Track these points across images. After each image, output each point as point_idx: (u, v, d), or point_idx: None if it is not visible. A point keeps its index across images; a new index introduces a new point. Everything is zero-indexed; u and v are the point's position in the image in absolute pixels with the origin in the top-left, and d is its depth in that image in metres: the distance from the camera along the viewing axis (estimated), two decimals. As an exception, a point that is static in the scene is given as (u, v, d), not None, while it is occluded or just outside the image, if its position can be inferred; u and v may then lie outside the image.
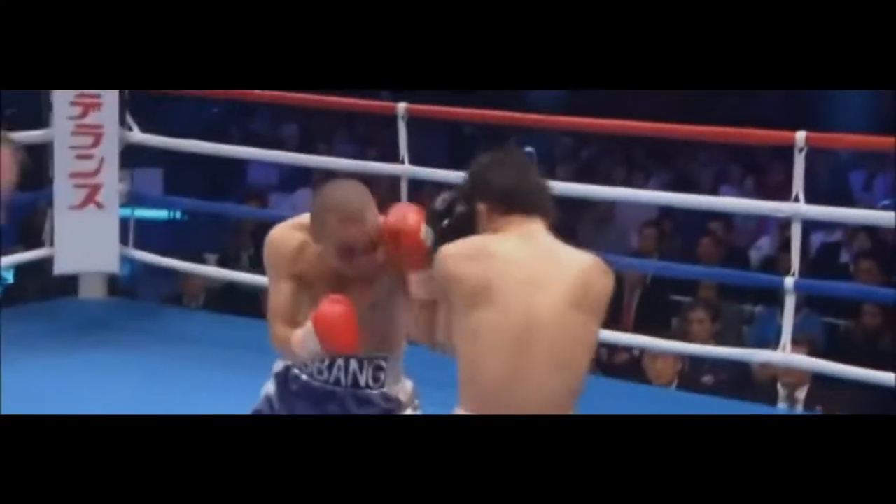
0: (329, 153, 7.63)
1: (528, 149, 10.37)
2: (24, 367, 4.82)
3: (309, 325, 2.45)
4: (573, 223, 7.27)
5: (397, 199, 4.58)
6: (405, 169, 4.94)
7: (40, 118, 5.37)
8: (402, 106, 4.89)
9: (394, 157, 5.00)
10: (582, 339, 2.31)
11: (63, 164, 5.35)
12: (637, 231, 7.04)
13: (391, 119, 5.03)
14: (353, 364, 2.64)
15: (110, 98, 5.33)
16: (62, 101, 5.27)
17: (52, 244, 5.46)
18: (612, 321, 5.65)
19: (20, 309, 5.91)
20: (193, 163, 7.51)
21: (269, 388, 2.74)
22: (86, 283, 5.76)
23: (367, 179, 3.08)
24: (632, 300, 6.14)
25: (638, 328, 5.53)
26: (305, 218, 2.58)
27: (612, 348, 5.67)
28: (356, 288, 2.52)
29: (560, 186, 6.30)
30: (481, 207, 2.39)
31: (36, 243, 5.77)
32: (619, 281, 6.23)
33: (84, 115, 5.30)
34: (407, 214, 2.48)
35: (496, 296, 2.26)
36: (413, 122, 4.94)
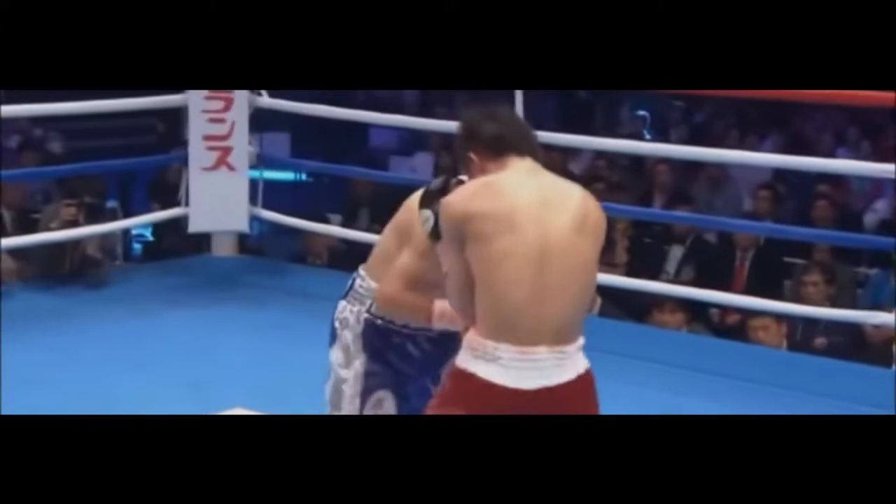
0: (448, 117, 7.72)
1: (642, 112, 10.38)
2: (164, 319, 5.13)
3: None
4: (687, 185, 7.31)
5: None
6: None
7: (175, 84, 5.64)
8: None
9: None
10: (588, 261, 2.42)
11: (197, 128, 5.62)
12: (751, 193, 7.04)
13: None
14: None
15: (241, 65, 5.58)
16: (196, 68, 5.53)
17: (187, 204, 5.71)
18: (723, 283, 5.72)
19: (158, 265, 6.24)
20: (318, 127, 7.73)
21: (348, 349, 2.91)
22: (218, 242, 6.03)
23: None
24: (744, 262, 6.15)
25: (750, 290, 5.54)
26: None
27: (725, 309, 5.72)
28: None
29: (674, 149, 6.41)
30: (473, 157, 2.50)
31: (169, 203, 6.03)
32: (732, 243, 6.29)
33: (216, 81, 5.57)
34: None
35: (516, 222, 2.37)
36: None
